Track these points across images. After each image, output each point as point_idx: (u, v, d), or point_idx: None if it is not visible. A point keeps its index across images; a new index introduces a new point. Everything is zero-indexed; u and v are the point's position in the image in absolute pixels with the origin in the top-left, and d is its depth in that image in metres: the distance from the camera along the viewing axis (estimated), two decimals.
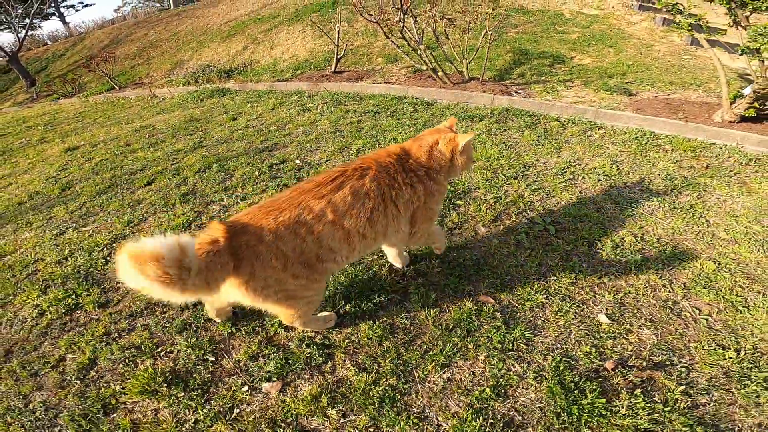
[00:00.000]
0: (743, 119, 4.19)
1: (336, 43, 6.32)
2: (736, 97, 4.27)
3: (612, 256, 2.12)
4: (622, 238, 2.24)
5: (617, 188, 2.75)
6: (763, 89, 3.88)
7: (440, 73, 5.30)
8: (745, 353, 1.64)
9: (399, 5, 4.96)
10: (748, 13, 3.95)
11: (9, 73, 13.51)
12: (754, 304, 1.87)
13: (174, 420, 1.45)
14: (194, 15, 12.56)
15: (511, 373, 1.52)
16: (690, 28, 4.37)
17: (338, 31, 6.18)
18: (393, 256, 2.03)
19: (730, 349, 1.65)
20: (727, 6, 3.88)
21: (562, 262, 2.06)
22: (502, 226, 2.38)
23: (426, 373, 1.55)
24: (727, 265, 2.08)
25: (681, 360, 1.59)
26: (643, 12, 7.57)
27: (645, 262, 2.08)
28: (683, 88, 5.36)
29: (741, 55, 3.67)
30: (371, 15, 5.09)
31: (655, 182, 2.84)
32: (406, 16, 4.95)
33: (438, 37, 5.64)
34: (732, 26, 3.72)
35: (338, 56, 6.42)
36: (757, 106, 4.03)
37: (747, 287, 1.95)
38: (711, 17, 4.00)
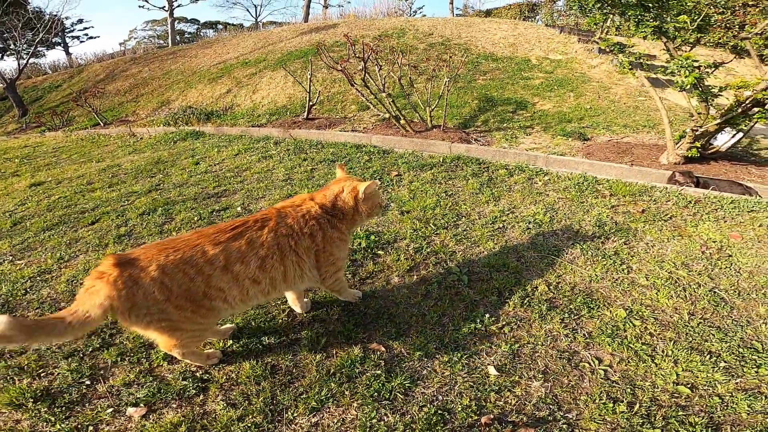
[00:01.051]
0: (688, 160, 4.32)
1: (308, 90, 6.57)
2: (682, 138, 4.42)
3: (519, 306, 2.12)
4: (535, 287, 2.25)
5: (545, 236, 2.79)
6: (701, 127, 4.03)
7: (402, 121, 5.49)
8: (640, 407, 1.61)
9: (360, 54, 5.22)
10: (682, 46, 4.15)
11: (5, 101, 13.71)
12: (663, 351, 1.86)
13: (30, 430, 1.56)
14: (188, 55, 13.08)
15: (382, 423, 1.49)
16: (631, 66, 4.58)
17: (309, 78, 6.44)
18: (292, 300, 2.06)
19: (622, 402, 1.62)
20: (659, 39, 4.07)
21: (466, 312, 2.06)
22: (416, 276, 2.38)
23: (295, 415, 1.55)
24: (640, 312, 2.09)
25: (566, 415, 1.56)
26: (603, 55, 7.97)
27: (552, 311, 2.08)
28: (637, 131, 5.56)
29: (681, 91, 3.84)
30: (337, 63, 5.33)
31: (584, 229, 2.89)
32: (367, 64, 5.19)
33: (402, 85, 5.89)
34: (668, 62, 3.91)
35: (311, 103, 6.65)
36: (698, 146, 4.16)
37: (658, 335, 1.95)
38: (665, 55, 4.20)
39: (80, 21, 23.22)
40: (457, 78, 7.68)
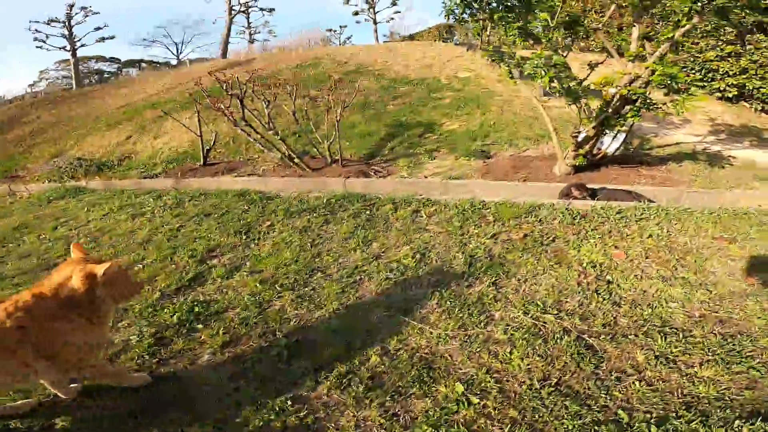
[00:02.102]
0: (578, 169, 4.15)
1: (199, 135, 6.06)
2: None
3: (335, 387, 1.68)
4: (366, 359, 1.83)
5: (405, 286, 2.40)
6: (579, 132, 3.87)
7: (296, 160, 5.08)
8: None
9: (230, 90, 4.81)
10: (561, 50, 4.02)
11: None
12: None
13: None
14: (95, 97, 12.18)
15: None
16: (510, 75, 4.42)
17: (198, 121, 5.94)
18: (48, 383, 1.82)
19: None
20: (526, 42, 3.92)
21: (267, 399, 1.62)
22: (230, 354, 1.94)
23: None
24: (483, 383, 1.68)
25: None
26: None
27: (373, 391, 1.65)
28: (537, 142, 5.43)
29: (550, 97, 3.67)
30: (216, 101, 4.89)
31: (453, 270, 2.53)
32: (243, 100, 4.78)
33: (297, 119, 5.52)
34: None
35: (206, 148, 6.15)
36: (584, 153, 4.00)
37: (496, 416, 1.55)
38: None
39: None
40: (367, 106, 7.44)
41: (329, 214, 3.57)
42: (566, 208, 3.22)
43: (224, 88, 4.82)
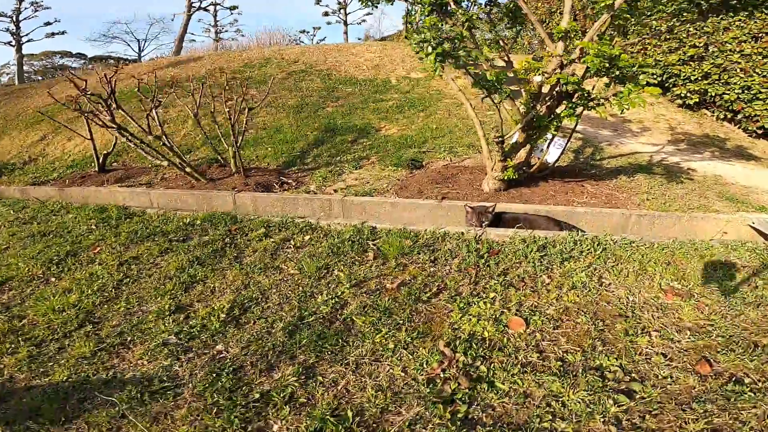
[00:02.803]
0: (510, 183, 3.35)
1: (90, 137, 5.12)
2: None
3: None
4: None
5: (178, 359, 1.54)
6: (502, 137, 3.05)
7: (188, 170, 4.19)
8: None
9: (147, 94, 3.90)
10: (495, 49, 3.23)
11: None
12: None
13: None
14: (27, 94, 11.02)
15: None
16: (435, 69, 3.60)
17: (87, 123, 4.99)
18: None
19: None
20: (442, 21, 3.12)
21: None
22: None
23: None
24: None
25: None
26: (461, 70, 7.24)
27: None
28: (480, 150, 4.64)
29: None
30: (75, 101, 3.96)
31: (264, 341, 1.67)
32: (109, 101, 3.87)
33: (199, 122, 4.61)
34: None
35: (105, 152, 5.23)
36: (513, 164, 3.20)
37: None
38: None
39: None
40: (303, 108, 6.58)
41: (177, 241, 2.69)
42: (476, 241, 2.40)
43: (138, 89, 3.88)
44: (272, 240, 2.60)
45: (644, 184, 3.43)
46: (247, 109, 4.37)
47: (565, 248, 2.25)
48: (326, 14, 18.79)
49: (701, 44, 5.18)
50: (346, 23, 19.11)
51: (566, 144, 3.43)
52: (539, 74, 2.59)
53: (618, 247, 2.23)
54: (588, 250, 2.22)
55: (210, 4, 17.26)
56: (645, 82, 2.35)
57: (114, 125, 3.91)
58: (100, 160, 5.28)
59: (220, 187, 4.02)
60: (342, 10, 18.94)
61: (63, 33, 16.00)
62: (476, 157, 4.49)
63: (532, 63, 2.51)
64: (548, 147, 3.36)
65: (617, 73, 2.28)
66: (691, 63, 5.31)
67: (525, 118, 2.80)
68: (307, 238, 2.60)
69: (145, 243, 2.71)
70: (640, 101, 2.35)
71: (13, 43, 15.50)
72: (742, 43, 4.89)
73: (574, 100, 2.67)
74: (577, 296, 1.84)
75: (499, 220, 2.56)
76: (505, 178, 3.15)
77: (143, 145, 4.10)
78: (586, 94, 2.55)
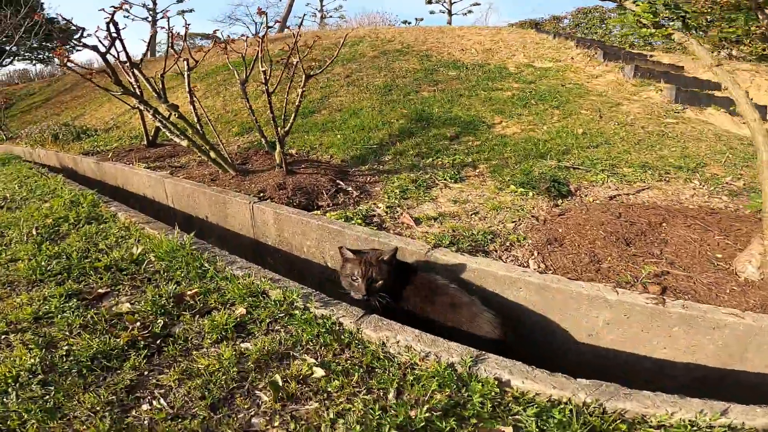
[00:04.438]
0: None
1: (138, 106, 4.13)
2: None
3: None
4: None
5: None
6: None
7: (212, 154, 2.88)
8: None
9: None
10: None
11: None
12: None
13: None
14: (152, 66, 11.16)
15: None
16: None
17: (140, 92, 3.97)
18: None
19: None
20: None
21: None
22: None
23: None
24: None
25: None
26: (610, 62, 5.12)
27: None
28: (665, 176, 2.70)
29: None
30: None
31: None
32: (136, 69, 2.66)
33: (247, 97, 3.30)
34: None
35: (154, 127, 4.29)
36: None
37: None
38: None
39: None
40: (392, 89, 5.06)
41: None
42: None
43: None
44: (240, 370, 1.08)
45: None
46: (304, 80, 2.91)
47: None
48: (429, 2, 17.12)
49: None
50: (450, 13, 17.27)
51: None
52: None
53: None
54: None
55: None
56: None
57: (137, 98, 2.74)
58: (151, 134, 4.39)
59: (248, 185, 2.64)
60: None
61: (191, 11, 16.44)
62: (661, 188, 2.56)
63: None
64: None
65: None
66: None
67: None
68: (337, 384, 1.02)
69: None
70: None
71: (150, 18, 16.23)
72: None
73: None
74: None
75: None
76: None
77: (166, 121, 2.85)
78: None
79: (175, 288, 1.43)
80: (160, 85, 3.11)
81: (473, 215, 2.32)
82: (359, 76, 5.70)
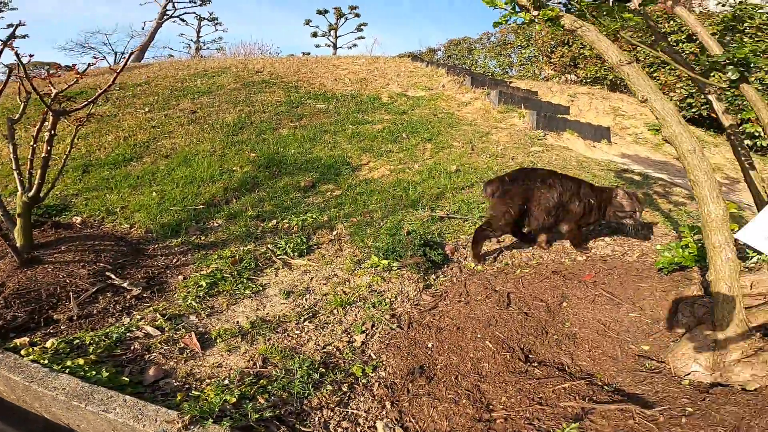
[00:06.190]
0: None
1: None
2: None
3: None
4: None
5: None
6: None
7: None
8: None
9: None
10: None
11: None
12: None
13: None
14: None
15: None
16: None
17: None
18: None
19: None
20: None
21: None
22: None
23: None
24: None
25: None
26: (477, 88, 4.94)
27: None
28: None
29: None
30: None
31: None
32: None
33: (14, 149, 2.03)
34: None
35: None
36: None
37: None
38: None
39: None
40: (244, 126, 4.12)
41: None
42: None
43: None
44: None
45: None
46: (51, 120, 1.83)
47: None
48: (315, 35, 16.72)
49: None
50: (335, 47, 17.07)
51: None
52: None
53: None
54: None
55: (184, 14, 14.91)
56: None
57: None
58: None
59: None
60: (332, 32, 16.94)
61: (24, 37, 13.29)
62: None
63: None
64: None
65: None
66: None
67: None
68: None
69: None
70: None
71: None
72: None
73: None
74: None
75: None
76: None
77: None
78: None
79: None
80: None
81: (308, 321, 1.48)
82: (209, 111, 4.64)
